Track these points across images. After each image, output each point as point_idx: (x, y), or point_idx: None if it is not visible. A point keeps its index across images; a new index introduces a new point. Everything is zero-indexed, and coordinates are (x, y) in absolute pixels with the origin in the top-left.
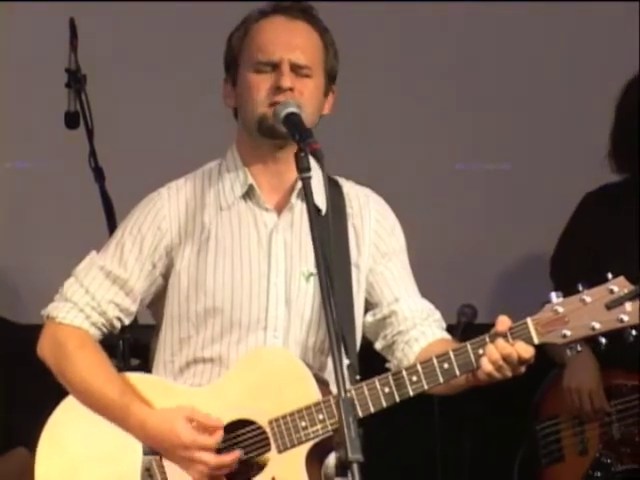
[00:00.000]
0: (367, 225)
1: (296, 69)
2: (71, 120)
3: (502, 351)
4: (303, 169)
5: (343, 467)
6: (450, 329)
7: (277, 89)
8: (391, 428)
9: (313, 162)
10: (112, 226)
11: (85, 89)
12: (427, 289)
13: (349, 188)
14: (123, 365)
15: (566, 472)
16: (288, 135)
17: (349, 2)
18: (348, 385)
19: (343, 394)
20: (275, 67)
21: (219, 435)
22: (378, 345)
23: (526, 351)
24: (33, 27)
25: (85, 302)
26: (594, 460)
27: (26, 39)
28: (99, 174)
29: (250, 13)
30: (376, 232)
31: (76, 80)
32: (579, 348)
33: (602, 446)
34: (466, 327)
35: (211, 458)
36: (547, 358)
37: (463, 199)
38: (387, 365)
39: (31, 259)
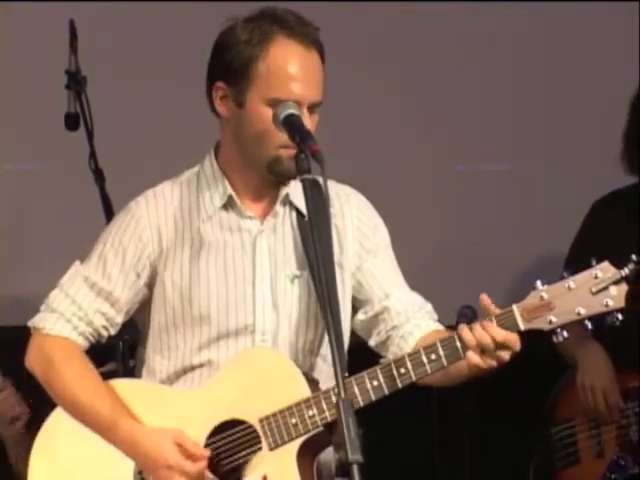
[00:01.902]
0: (349, 223)
1: (310, 107)
2: (71, 122)
3: (479, 339)
4: (303, 170)
5: (343, 468)
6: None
7: None
8: (390, 428)
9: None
10: None
11: (85, 91)
12: (427, 290)
13: (329, 187)
14: (122, 366)
15: (582, 475)
16: (295, 175)
17: (350, 2)
18: None
19: (343, 395)
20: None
21: (203, 464)
22: (372, 342)
23: (499, 334)
24: (33, 28)
25: (72, 312)
26: (611, 462)
27: (26, 40)
28: (99, 176)
29: (266, 23)
30: (359, 230)
31: (76, 82)
32: (565, 334)
33: (619, 448)
34: None
35: None
36: (546, 358)
37: (464, 200)
38: (382, 361)
39: (31, 260)
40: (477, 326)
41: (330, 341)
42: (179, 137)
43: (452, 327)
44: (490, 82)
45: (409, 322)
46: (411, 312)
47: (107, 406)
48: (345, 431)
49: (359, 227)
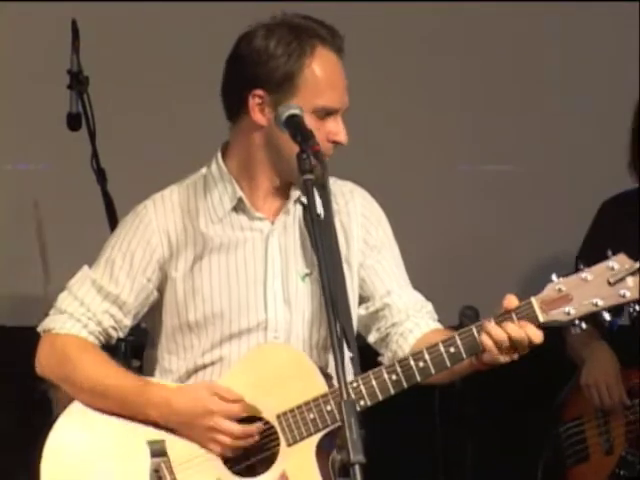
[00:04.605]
0: (354, 220)
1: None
2: (73, 122)
3: (511, 333)
4: (305, 171)
5: (345, 468)
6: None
7: (334, 142)
8: (392, 429)
9: None
10: (114, 228)
11: (87, 91)
12: (429, 290)
13: (332, 184)
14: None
15: (592, 471)
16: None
17: (350, 2)
18: (353, 377)
19: (345, 396)
20: (328, 112)
21: (241, 406)
22: (371, 338)
23: (535, 335)
24: (35, 28)
25: (81, 313)
26: (620, 459)
27: (28, 40)
28: (101, 176)
29: (306, 32)
30: (364, 226)
31: (78, 82)
32: (583, 326)
33: (628, 445)
34: None
35: (236, 426)
36: (550, 360)
37: (465, 200)
38: (380, 358)
39: (33, 261)
40: (500, 323)
41: (332, 339)
42: (181, 137)
43: (454, 327)
44: (492, 82)
45: (409, 320)
46: (412, 310)
47: (132, 378)
48: (347, 432)
49: (364, 224)
